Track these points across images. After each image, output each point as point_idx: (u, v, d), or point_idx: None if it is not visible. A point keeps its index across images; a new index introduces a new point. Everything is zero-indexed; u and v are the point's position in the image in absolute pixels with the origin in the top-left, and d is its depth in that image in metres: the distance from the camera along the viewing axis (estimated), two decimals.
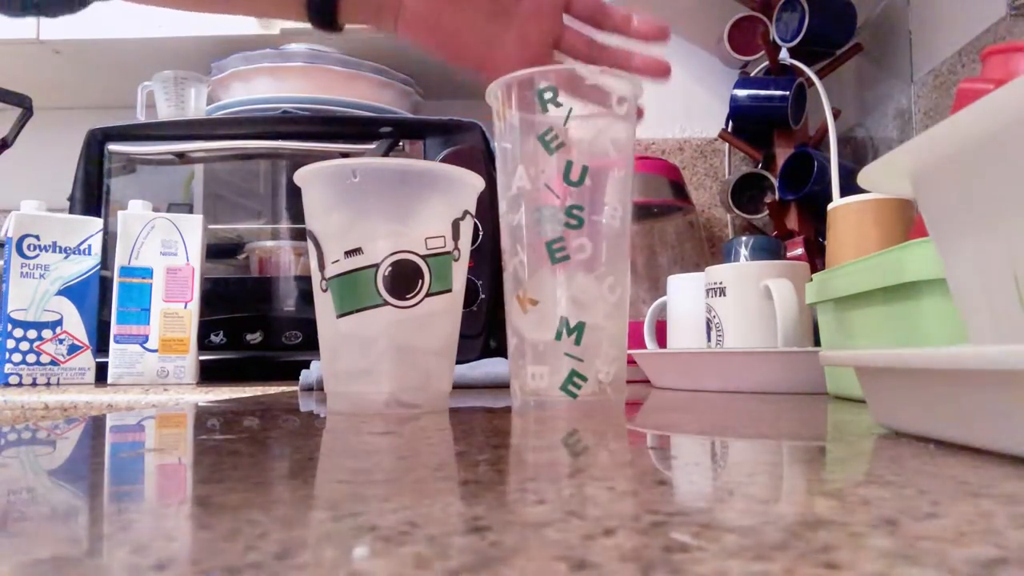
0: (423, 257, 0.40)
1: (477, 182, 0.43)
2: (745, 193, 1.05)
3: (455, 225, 0.42)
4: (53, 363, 0.80)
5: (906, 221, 0.59)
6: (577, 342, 0.38)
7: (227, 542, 0.13)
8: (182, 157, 0.93)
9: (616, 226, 0.40)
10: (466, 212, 0.43)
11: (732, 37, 1.06)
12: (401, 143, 0.91)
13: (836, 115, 0.94)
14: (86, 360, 0.82)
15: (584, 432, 0.30)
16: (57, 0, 0.51)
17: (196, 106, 1.03)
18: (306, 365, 0.68)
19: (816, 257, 0.91)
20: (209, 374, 0.87)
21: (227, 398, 0.59)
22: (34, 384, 0.79)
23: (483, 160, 0.87)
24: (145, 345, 0.80)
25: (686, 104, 1.19)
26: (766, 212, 0.99)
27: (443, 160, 0.86)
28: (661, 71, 0.54)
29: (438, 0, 0.52)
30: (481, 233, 0.85)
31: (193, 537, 0.14)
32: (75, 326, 0.81)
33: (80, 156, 0.92)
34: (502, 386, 0.64)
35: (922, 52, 0.88)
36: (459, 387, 0.63)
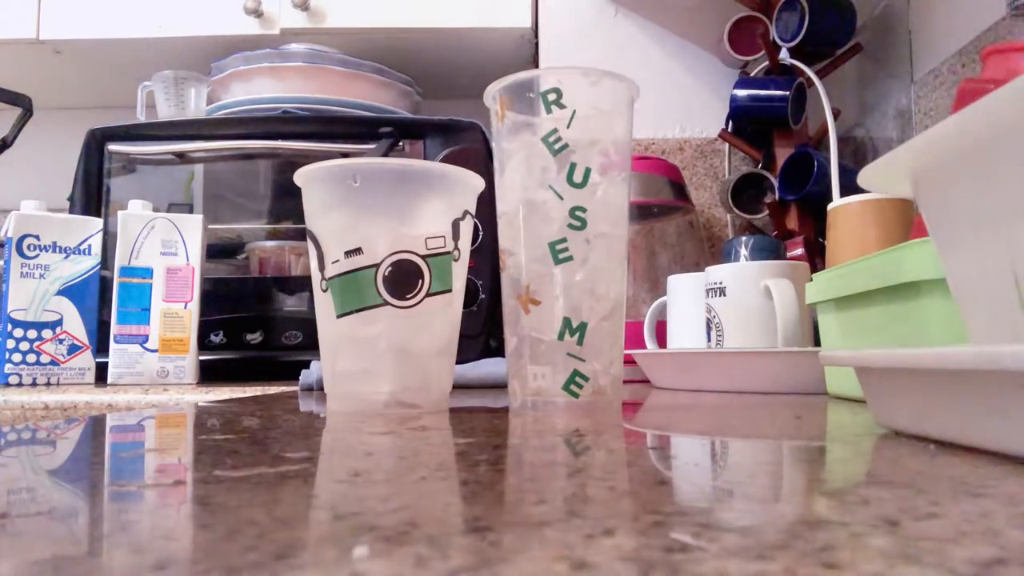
0: (423, 257, 0.40)
1: (477, 182, 0.43)
2: (745, 193, 1.05)
3: (455, 225, 0.42)
4: (53, 363, 0.80)
5: (906, 221, 0.59)
6: (579, 342, 0.38)
7: (227, 542, 0.13)
8: (182, 157, 0.93)
9: (616, 227, 0.40)
10: (466, 212, 0.43)
11: (732, 37, 1.06)
12: (401, 143, 0.91)
13: (836, 115, 0.94)
14: (86, 360, 0.82)
15: (584, 432, 0.30)
16: None
17: (196, 106, 1.03)
18: (306, 365, 0.68)
19: (816, 257, 0.91)
20: (209, 374, 0.87)
21: (227, 398, 0.59)
22: (34, 384, 0.79)
23: (483, 160, 0.87)
24: (145, 345, 0.79)
25: (686, 104, 1.19)
26: (766, 212, 0.99)
27: (443, 160, 0.86)
28: None
29: None
30: (481, 233, 0.85)
31: (193, 537, 0.14)
32: (75, 326, 0.81)
33: (80, 156, 0.92)
34: (502, 386, 0.64)
35: (922, 52, 0.88)
36: (459, 387, 0.63)
